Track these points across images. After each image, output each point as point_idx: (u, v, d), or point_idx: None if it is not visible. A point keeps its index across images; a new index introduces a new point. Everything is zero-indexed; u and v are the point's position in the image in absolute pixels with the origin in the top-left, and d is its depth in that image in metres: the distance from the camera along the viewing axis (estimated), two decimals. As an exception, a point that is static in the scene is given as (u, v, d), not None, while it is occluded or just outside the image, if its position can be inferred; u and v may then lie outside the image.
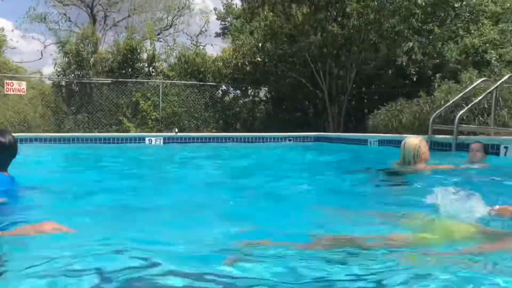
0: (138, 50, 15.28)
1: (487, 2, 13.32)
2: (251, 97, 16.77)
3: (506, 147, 5.89)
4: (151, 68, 15.84)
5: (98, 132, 13.25)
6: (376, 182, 4.24)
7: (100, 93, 14.68)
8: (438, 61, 12.63)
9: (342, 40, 12.82)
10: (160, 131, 13.70)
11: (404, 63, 12.22)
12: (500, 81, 7.11)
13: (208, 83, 15.30)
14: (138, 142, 10.24)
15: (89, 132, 13.23)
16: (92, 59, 14.98)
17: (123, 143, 10.18)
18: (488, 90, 7.06)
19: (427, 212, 2.43)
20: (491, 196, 2.65)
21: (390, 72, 13.88)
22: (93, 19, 22.20)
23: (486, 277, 1.51)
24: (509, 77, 7.67)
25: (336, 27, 12.51)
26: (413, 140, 4.30)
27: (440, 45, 12.53)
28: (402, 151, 4.29)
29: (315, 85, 14.31)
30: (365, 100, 16.09)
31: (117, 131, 13.53)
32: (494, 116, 7.59)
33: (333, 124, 14.03)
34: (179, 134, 11.14)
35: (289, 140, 10.95)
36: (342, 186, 4.28)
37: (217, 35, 25.27)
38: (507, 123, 8.58)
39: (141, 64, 15.63)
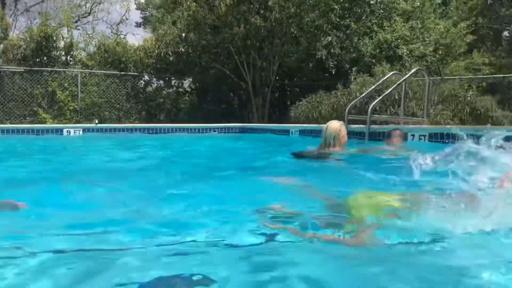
0: (54, 38, 14.48)
1: (398, 0, 14.18)
2: (175, 88, 16.57)
3: (413, 135, 6.41)
4: (68, 57, 15.09)
5: (11, 123, 12.46)
6: (298, 164, 4.45)
7: (11, 82, 13.76)
8: (354, 55, 13.28)
9: (264, 32, 13.06)
10: (79, 122, 13.16)
11: (324, 57, 12.73)
12: (408, 74, 7.67)
13: (129, 73, 14.89)
14: (56, 134, 9.79)
15: (0, 123, 12.39)
16: (1, 46, 13.99)
17: (39, 134, 9.69)
18: (398, 83, 7.59)
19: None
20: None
21: (310, 65, 14.37)
22: (2, 3, 20.69)
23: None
24: (416, 70, 8.30)
25: (259, 19, 12.72)
26: (335, 124, 4.52)
27: (356, 40, 13.18)
28: (324, 133, 4.48)
29: (239, 77, 14.47)
30: (288, 92, 16.53)
31: (31, 122, 12.81)
32: (404, 107, 8.17)
33: (257, 115, 14.30)
34: (99, 125, 10.80)
35: (214, 131, 11.02)
36: (266, 170, 4.42)
37: (138, 25, 24.63)
38: (416, 113, 9.31)
39: (58, 53, 14.84)
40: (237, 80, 14.72)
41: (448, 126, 7.35)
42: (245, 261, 1.67)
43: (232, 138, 10.46)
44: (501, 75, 14.37)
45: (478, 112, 10.15)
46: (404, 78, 7.47)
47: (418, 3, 14.54)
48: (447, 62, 14.22)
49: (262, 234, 1.96)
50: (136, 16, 27.73)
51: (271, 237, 1.92)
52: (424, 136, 6.38)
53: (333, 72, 13.56)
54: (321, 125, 9.24)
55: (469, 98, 10.15)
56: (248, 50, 13.54)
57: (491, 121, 9.90)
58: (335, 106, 10.79)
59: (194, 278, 1.46)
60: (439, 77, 11.91)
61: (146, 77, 15.89)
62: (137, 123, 13.70)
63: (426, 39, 13.58)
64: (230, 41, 13.06)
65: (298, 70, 15.09)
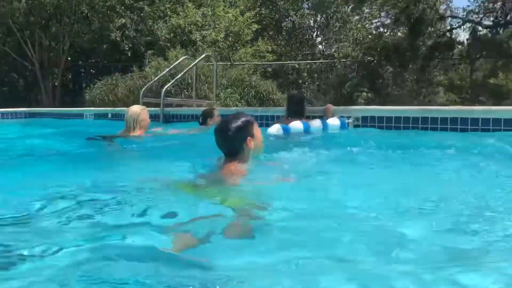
0: None
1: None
2: None
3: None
4: None
5: None
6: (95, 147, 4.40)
7: None
8: (150, 38, 13.38)
9: (50, 9, 12.13)
10: None
11: (118, 39, 12.51)
12: (198, 59, 8.16)
13: None
14: None
15: None
16: None
17: None
18: (188, 67, 8.03)
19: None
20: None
21: (105, 46, 13.93)
22: None
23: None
24: (205, 56, 8.88)
25: (43, -6, 11.78)
26: (135, 108, 4.56)
27: (151, 23, 13.28)
28: (126, 117, 4.50)
29: (24, 57, 13.16)
30: (82, 74, 15.74)
31: None
32: (196, 90, 8.68)
33: (47, 98, 13.28)
34: None
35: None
36: (56, 157, 4.22)
37: None
38: (208, 96, 9.98)
39: None
40: (21, 60, 13.35)
41: (234, 108, 8.13)
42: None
43: (18, 124, 9.54)
44: (280, 62, 16.29)
45: (262, 95, 11.43)
46: (194, 63, 7.94)
47: (208, -9, 15.30)
48: (237, 48, 15.40)
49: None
50: None
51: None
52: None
53: (129, 55, 13.44)
54: (117, 108, 9.20)
55: (253, 82, 11.32)
56: (32, 28, 12.39)
57: (272, 103, 11.25)
58: (132, 88, 10.79)
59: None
60: (228, 63, 12.88)
61: None
62: None
63: (217, 26, 14.44)
64: (10, 16, 11.74)
65: (92, 51, 14.47)
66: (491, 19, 14.15)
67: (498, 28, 14.46)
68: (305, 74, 15.77)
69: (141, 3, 13.09)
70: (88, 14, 12.47)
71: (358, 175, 2.65)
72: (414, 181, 2.48)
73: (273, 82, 12.69)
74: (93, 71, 14.78)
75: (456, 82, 22.93)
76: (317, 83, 15.11)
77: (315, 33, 18.86)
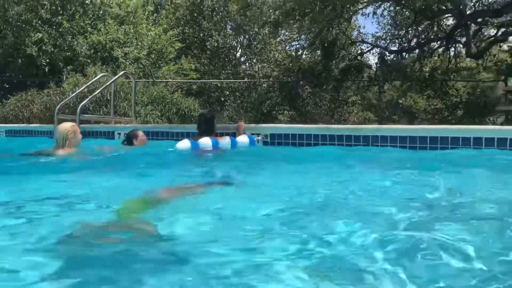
0: None
1: (111, 3, 14.63)
2: None
3: (119, 133, 7.01)
4: None
5: None
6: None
7: None
8: (69, 54, 13.12)
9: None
10: None
11: (34, 53, 12.17)
12: (115, 77, 8.24)
13: None
14: None
15: None
16: None
17: None
18: (106, 84, 8.08)
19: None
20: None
21: (20, 61, 13.45)
22: None
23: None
24: (124, 73, 8.97)
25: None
26: (65, 125, 4.56)
27: (70, 39, 13.05)
28: (55, 135, 4.53)
29: None
30: (-6, 89, 15.00)
31: None
32: (114, 107, 8.71)
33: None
34: None
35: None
36: None
37: None
38: (127, 113, 10.01)
39: None
40: None
41: (152, 125, 8.27)
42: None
43: None
44: (202, 80, 16.61)
45: (183, 112, 11.63)
46: (112, 80, 8.01)
47: (131, 9, 15.32)
48: (160, 66, 15.49)
49: None
50: None
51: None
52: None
53: (46, 70, 13.08)
54: (31, 125, 8.99)
55: (175, 100, 11.51)
56: None
57: (194, 120, 11.49)
58: (48, 105, 10.56)
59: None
60: (150, 80, 12.97)
61: None
62: None
63: (140, 43, 14.48)
64: None
65: (6, 65, 13.88)
66: (397, 45, 15.49)
67: (403, 53, 15.84)
68: (227, 92, 16.18)
69: (59, 18, 12.83)
70: (1, 28, 12.01)
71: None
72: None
73: (196, 100, 12.95)
74: (7, 86, 14.15)
75: (373, 102, 24.56)
76: (239, 101, 15.56)
77: (238, 53, 19.43)
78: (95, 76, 9.96)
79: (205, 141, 4.63)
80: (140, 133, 5.54)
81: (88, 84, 8.26)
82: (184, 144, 4.53)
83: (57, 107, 7.40)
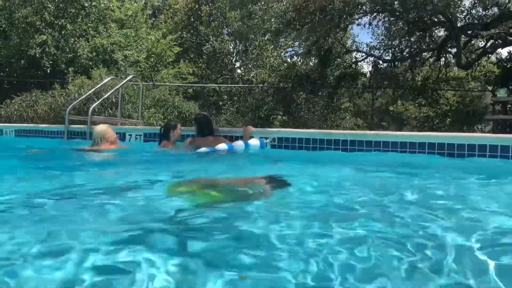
0: None
1: (113, 6, 14.93)
2: None
3: (130, 135, 7.31)
4: None
5: None
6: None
7: None
8: (71, 55, 13.38)
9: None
10: None
11: (38, 55, 12.40)
12: (125, 80, 8.54)
13: None
14: None
15: None
16: None
17: None
18: (115, 88, 8.37)
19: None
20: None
21: (23, 62, 13.66)
22: None
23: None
24: (132, 77, 9.28)
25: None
26: (101, 126, 5.32)
27: (72, 41, 13.31)
28: (94, 134, 5.22)
29: None
30: (-5, 89, 15.17)
31: None
32: (121, 109, 9.01)
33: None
34: None
35: None
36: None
37: None
38: (132, 115, 10.32)
39: None
40: None
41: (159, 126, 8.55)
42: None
43: None
44: (202, 84, 16.94)
45: (184, 115, 11.96)
46: (121, 84, 8.31)
47: (131, 13, 15.62)
48: (158, 69, 15.79)
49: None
50: None
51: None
52: (140, 135, 7.36)
53: (49, 71, 13.31)
54: (39, 125, 9.24)
55: (176, 103, 11.84)
56: None
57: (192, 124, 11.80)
58: (53, 105, 10.80)
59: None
60: (151, 83, 13.26)
61: None
62: None
63: (139, 46, 14.77)
64: None
65: (8, 65, 14.08)
66: (390, 54, 15.99)
67: (396, 63, 16.35)
68: (225, 96, 16.53)
69: (62, 20, 13.09)
70: (6, 29, 12.23)
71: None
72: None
73: (195, 103, 13.29)
74: (8, 86, 14.33)
75: (362, 108, 25.13)
76: (236, 106, 15.91)
77: (234, 58, 19.80)
78: (100, 79, 10.26)
79: (222, 146, 4.95)
80: (179, 125, 5.73)
81: (97, 87, 8.54)
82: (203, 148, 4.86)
83: (69, 108, 7.67)
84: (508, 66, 13.45)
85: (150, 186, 2.94)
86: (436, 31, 15.28)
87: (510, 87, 11.74)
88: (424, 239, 1.64)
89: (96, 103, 7.89)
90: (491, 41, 13.93)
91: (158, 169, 4.01)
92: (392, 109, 23.60)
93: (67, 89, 10.83)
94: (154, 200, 2.46)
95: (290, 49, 18.62)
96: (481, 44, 15.10)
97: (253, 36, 17.94)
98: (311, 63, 16.16)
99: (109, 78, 9.13)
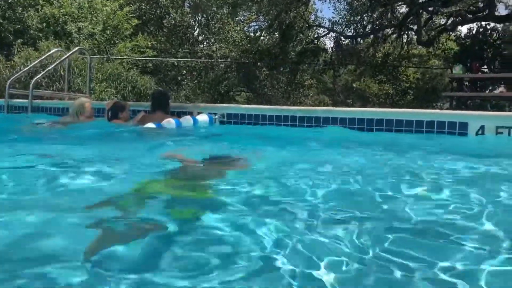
0: None
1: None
2: None
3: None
4: None
5: None
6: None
7: None
8: (19, 26, 12.63)
9: None
10: None
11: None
12: (70, 53, 8.04)
13: None
14: None
15: None
16: None
17: None
18: (60, 60, 7.91)
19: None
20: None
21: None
22: None
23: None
24: (78, 49, 8.79)
25: None
26: (80, 100, 5.37)
27: (20, 11, 12.54)
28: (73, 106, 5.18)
29: None
30: None
31: None
32: (68, 83, 8.55)
33: None
34: None
35: None
36: None
37: None
38: (82, 89, 9.84)
39: None
40: None
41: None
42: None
43: None
44: (160, 58, 16.41)
45: (139, 90, 11.54)
46: (67, 55, 7.82)
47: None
48: (115, 42, 15.15)
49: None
50: None
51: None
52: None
53: (-5, 43, 12.58)
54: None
55: (130, 78, 11.38)
56: None
57: (149, 99, 11.43)
58: (-3, 79, 10.20)
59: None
60: (105, 56, 12.71)
61: None
62: None
63: (94, 18, 14.09)
64: None
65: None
66: (352, 30, 15.88)
67: (358, 39, 16.27)
68: (185, 71, 16.10)
69: (9, -12, 12.32)
70: None
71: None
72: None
73: (152, 78, 12.85)
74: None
75: (328, 86, 25.10)
76: (196, 81, 15.53)
77: (196, 32, 19.28)
78: (48, 51, 9.70)
79: (169, 123, 4.69)
80: (128, 107, 5.44)
81: (41, 58, 8.04)
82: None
83: (9, 81, 7.20)
84: (466, 43, 13.56)
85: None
86: (398, 7, 15.23)
87: (468, 64, 11.86)
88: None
89: (39, 76, 7.42)
90: (452, 18, 14.00)
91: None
92: (356, 86, 23.68)
93: (12, 61, 10.22)
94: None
95: (254, 23, 18.29)
96: (442, 21, 15.17)
97: (215, 9, 17.44)
98: (273, 38, 15.87)
99: (55, 50, 8.64)
